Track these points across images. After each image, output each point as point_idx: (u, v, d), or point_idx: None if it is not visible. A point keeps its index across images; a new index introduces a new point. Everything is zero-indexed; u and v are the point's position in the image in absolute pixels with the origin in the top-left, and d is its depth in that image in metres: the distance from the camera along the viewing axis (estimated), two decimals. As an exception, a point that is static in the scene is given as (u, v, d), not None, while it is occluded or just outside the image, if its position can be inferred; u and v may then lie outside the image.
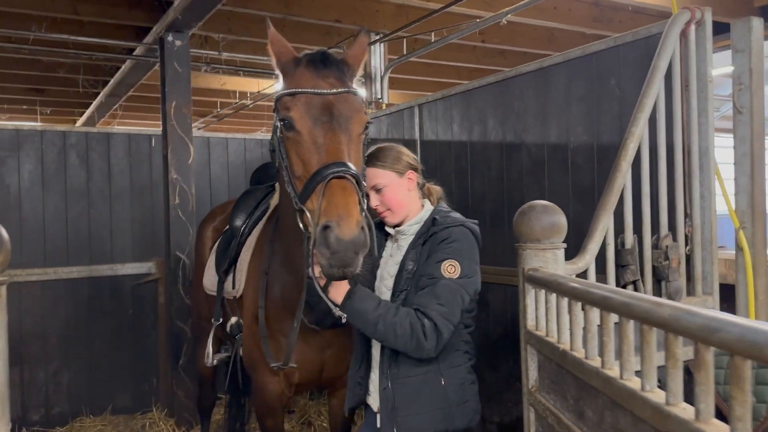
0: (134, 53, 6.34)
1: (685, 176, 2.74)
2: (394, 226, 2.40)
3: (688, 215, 2.74)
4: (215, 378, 4.28)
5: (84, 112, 9.99)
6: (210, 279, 3.59)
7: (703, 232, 2.74)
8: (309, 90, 2.13)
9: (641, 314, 1.27)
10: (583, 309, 1.72)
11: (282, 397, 2.88)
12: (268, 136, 2.80)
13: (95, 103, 8.82)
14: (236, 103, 9.57)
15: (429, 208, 2.41)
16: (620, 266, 2.58)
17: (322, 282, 2.11)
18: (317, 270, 2.02)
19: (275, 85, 7.70)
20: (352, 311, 2.10)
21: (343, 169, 1.99)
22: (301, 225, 2.08)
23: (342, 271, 1.89)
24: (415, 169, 2.40)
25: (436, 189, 2.50)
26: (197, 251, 4.24)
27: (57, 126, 6.17)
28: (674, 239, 2.69)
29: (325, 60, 2.21)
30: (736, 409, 1.00)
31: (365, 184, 2.18)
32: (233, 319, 3.16)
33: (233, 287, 3.15)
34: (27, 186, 5.23)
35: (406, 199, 2.36)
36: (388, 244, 2.47)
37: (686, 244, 2.75)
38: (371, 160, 2.35)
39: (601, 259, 2.55)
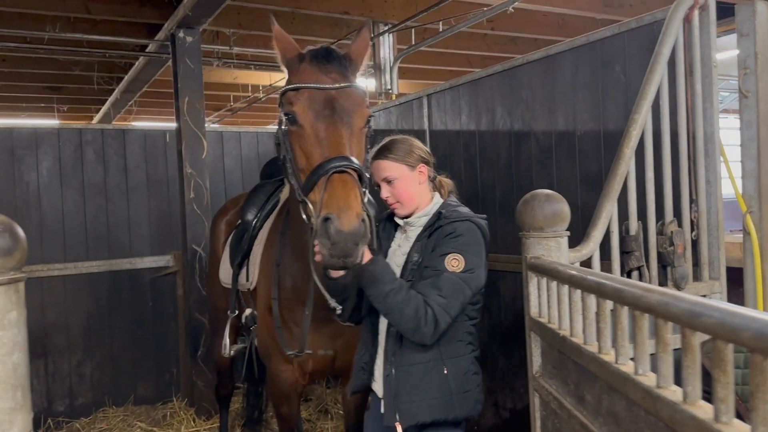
0: (147, 50, 6.42)
1: (690, 162, 2.74)
2: (404, 217, 2.44)
3: (693, 201, 2.75)
4: (232, 368, 4.37)
5: (100, 109, 10.13)
6: (225, 272, 3.67)
7: (709, 217, 2.75)
8: (311, 85, 2.18)
9: (632, 300, 1.31)
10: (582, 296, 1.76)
11: (296, 385, 2.95)
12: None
13: (111, 99, 8.95)
14: (249, 96, 9.64)
15: (438, 201, 2.44)
16: (625, 253, 2.60)
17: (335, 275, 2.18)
18: (318, 259, 2.07)
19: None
20: (370, 277, 2.13)
21: (345, 163, 2.04)
22: (304, 216, 2.14)
23: (342, 261, 1.95)
24: (426, 163, 2.43)
25: (447, 182, 2.52)
26: (211, 245, 4.33)
27: (73, 124, 6.27)
28: (680, 225, 2.70)
29: (328, 55, 2.26)
30: (719, 390, 1.04)
31: (368, 177, 2.23)
32: (248, 311, 3.24)
33: (247, 279, 3.24)
34: (46, 182, 5.33)
35: (417, 192, 2.39)
36: (397, 234, 2.50)
37: (692, 230, 2.76)
38: (383, 152, 2.39)
39: (607, 247, 2.58)
